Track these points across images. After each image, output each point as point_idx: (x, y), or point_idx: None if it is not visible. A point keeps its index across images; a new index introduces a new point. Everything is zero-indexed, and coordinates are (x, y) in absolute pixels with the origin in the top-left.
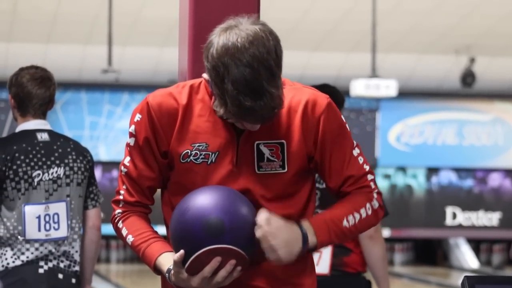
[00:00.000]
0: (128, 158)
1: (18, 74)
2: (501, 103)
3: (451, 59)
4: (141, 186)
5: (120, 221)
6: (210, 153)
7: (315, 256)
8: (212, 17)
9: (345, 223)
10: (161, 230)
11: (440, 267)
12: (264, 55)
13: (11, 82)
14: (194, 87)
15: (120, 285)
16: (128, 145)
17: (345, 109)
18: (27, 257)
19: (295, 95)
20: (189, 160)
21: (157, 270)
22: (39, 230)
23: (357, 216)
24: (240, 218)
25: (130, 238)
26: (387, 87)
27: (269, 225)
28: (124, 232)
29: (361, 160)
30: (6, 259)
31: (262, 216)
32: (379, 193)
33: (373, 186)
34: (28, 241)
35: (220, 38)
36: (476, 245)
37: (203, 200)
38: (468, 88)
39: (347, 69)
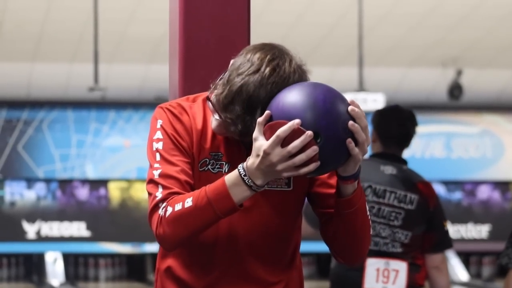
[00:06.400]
0: (157, 165)
1: None
2: (489, 115)
3: (438, 72)
4: (180, 180)
5: (168, 207)
6: (224, 163)
7: (391, 275)
8: (202, 33)
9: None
10: (150, 247)
11: None
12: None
13: None
14: (205, 100)
15: None
16: (157, 152)
17: None
18: None
19: None
20: (206, 168)
21: (225, 193)
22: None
23: (370, 223)
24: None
25: (188, 202)
26: (375, 101)
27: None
28: (177, 207)
29: None
30: None
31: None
32: None
33: None
34: None
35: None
36: (465, 257)
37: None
38: (455, 101)
39: (334, 83)
